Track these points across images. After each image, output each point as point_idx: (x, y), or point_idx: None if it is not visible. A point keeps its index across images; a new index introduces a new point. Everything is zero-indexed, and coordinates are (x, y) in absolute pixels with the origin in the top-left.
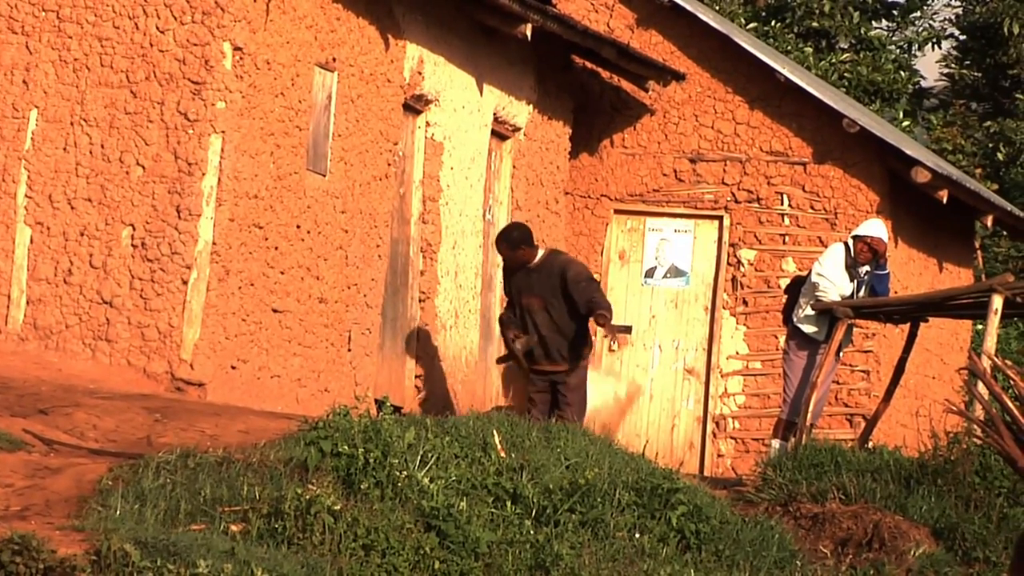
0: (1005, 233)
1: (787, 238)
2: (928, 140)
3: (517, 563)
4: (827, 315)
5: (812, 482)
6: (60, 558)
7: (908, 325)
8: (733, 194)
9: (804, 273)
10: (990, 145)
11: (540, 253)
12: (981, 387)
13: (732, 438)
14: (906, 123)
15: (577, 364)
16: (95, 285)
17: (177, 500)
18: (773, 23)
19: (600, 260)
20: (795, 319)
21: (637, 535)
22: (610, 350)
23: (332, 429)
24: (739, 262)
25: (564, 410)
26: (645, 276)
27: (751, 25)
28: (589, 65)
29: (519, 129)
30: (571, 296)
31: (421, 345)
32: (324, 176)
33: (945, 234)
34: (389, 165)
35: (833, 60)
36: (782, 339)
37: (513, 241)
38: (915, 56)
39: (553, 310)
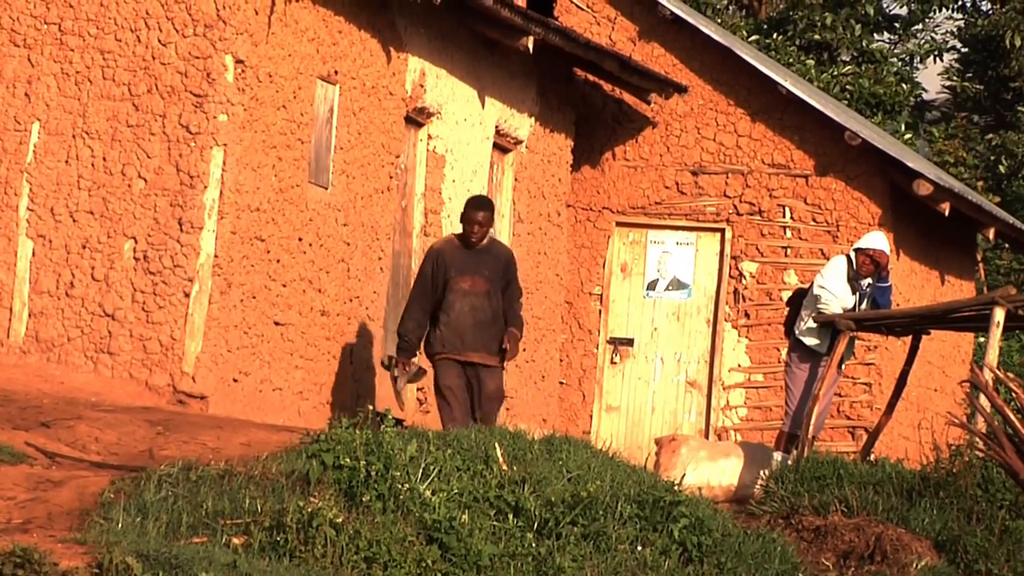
0: (1007, 245)
1: (789, 250)
2: (930, 153)
3: None
4: (829, 327)
5: (814, 495)
6: (62, 571)
7: (910, 338)
8: (735, 206)
9: (806, 286)
10: (992, 158)
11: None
12: (983, 400)
13: None
14: (908, 136)
15: (501, 363)
16: (97, 298)
17: (179, 513)
18: (775, 36)
19: (602, 273)
20: (797, 331)
21: (639, 548)
22: (611, 362)
23: (334, 442)
24: (741, 274)
25: (485, 420)
26: (647, 288)
27: (753, 38)
28: (591, 78)
29: (521, 142)
30: (507, 284)
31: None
32: (326, 189)
33: (947, 247)
34: (391, 178)
35: (835, 73)
36: (784, 351)
37: (492, 211)
38: (917, 69)
39: (494, 297)
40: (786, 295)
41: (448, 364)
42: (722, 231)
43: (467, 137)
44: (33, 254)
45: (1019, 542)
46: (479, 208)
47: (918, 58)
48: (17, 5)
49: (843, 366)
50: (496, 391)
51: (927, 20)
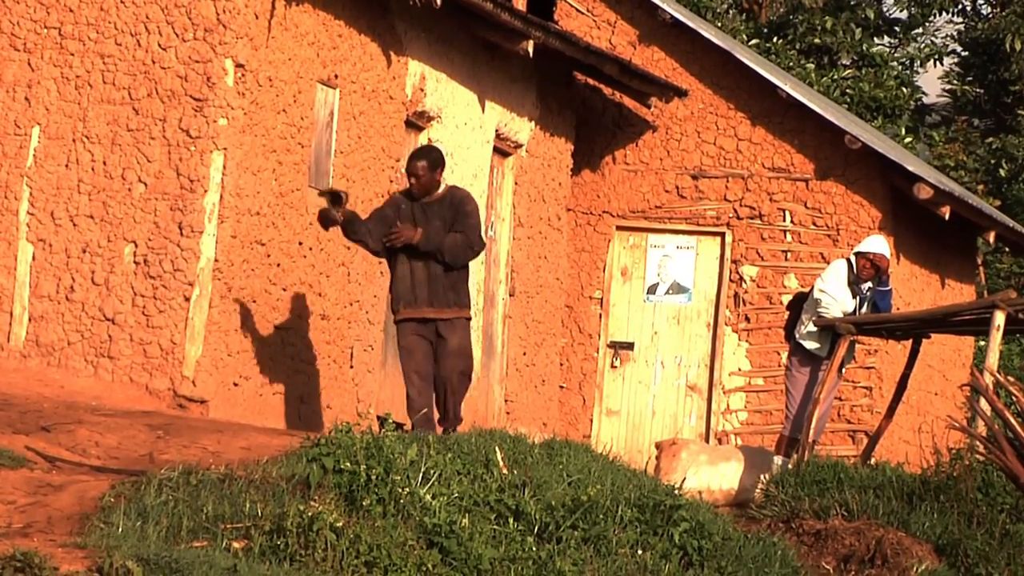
0: (1007, 249)
1: (789, 254)
2: (930, 156)
3: None
4: (829, 331)
5: (815, 498)
6: (62, 575)
7: (910, 341)
8: (735, 210)
9: (806, 289)
10: (992, 161)
11: (442, 187)
12: (983, 403)
13: None
14: (908, 139)
15: (460, 316)
16: (97, 302)
17: (179, 517)
18: (775, 40)
19: (602, 276)
20: (797, 335)
21: (639, 552)
22: (612, 366)
23: (334, 446)
24: (741, 278)
25: (449, 380)
26: (647, 292)
27: (753, 42)
28: (591, 82)
29: (521, 145)
30: (454, 224)
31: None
32: None
33: (947, 250)
34: (391, 182)
35: (835, 76)
36: (784, 355)
37: (434, 161)
38: (917, 72)
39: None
40: (786, 299)
41: (406, 326)
42: (722, 235)
43: (467, 141)
44: (33, 258)
45: (1019, 546)
46: (416, 158)
47: (918, 62)
48: (17, 9)
49: (843, 370)
50: (458, 348)
51: (927, 24)
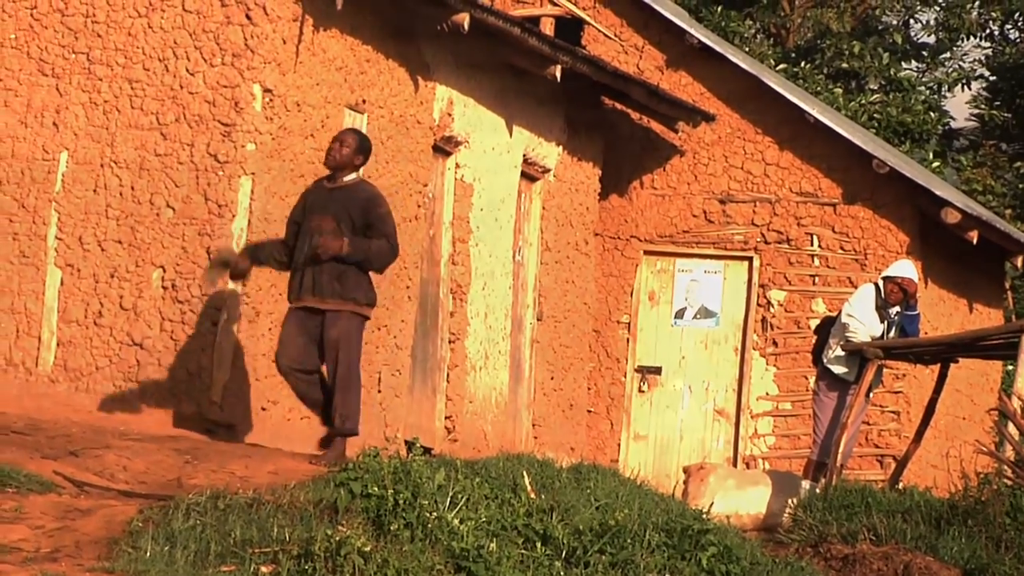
0: None
1: (817, 279)
2: (958, 181)
3: None
4: (857, 356)
5: (842, 523)
6: None
7: (938, 366)
8: (763, 235)
9: (834, 314)
10: (1020, 186)
11: (354, 176)
12: (1011, 428)
13: None
14: (936, 164)
15: (343, 308)
16: (125, 327)
17: (207, 541)
18: (803, 64)
19: (630, 301)
20: (825, 360)
21: None
22: (639, 391)
23: (362, 470)
24: (769, 303)
25: (335, 373)
26: (675, 317)
27: (781, 66)
28: (619, 106)
29: (549, 170)
30: (368, 226)
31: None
32: None
33: (975, 275)
34: (419, 206)
35: (863, 101)
36: (812, 380)
37: (361, 145)
38: (945, 97)
39: (342, 235)
40: (814, 323)
41: (290, 314)
42: (750, 259)
43: (495, 165)
44: (62, 283)
45: None
46: (349, 132)
47: (946, 86)
48: (46, 35)
49: (871, 394)
50: (335, 339)
51: (955, 48)
